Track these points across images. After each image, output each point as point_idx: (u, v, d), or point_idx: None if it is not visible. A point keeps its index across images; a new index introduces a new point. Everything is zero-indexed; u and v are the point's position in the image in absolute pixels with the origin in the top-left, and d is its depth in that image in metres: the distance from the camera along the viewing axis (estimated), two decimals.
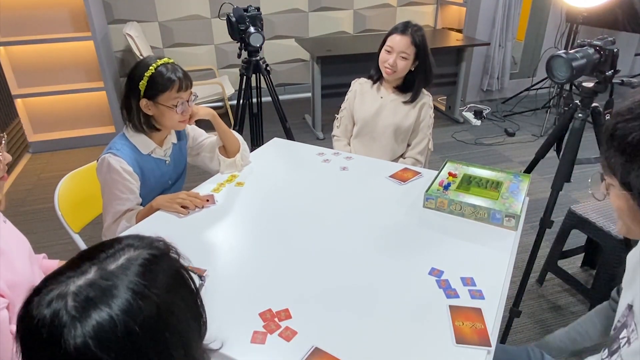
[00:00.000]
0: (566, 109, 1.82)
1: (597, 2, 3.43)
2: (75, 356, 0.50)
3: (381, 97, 2.11)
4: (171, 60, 1.54)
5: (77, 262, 0.56)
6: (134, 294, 0.53)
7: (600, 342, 1.16)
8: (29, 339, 0.53)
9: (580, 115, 1.74)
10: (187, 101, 1.56)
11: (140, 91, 1.50)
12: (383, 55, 2.00)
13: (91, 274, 0.54)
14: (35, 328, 0.51)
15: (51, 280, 0.55)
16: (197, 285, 0.63)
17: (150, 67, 1.48)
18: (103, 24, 4.03)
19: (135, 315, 0.52)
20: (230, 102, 4.16)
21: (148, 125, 1.56)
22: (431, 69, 2.02)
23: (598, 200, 0.86)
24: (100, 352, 0.50)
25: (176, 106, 1.52)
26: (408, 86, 2.07)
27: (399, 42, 1.94)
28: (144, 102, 1.51)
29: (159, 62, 1.50)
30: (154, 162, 1.62)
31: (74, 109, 3.95)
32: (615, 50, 1.61)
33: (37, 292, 0.54)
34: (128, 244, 0.58)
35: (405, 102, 2.07)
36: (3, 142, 1.07)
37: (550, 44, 4.72)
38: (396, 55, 1.95)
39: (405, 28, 1.95)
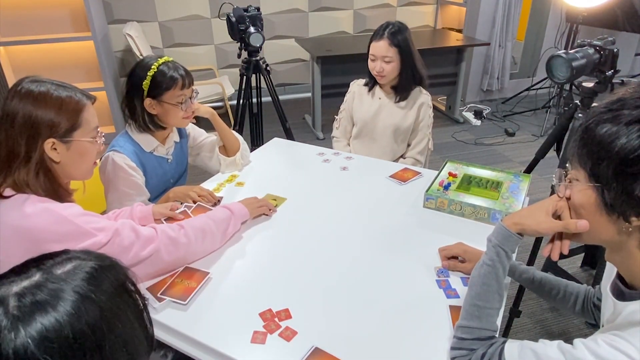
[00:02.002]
0: (566, 109, 1.82)
1: (597, 2, 3.43)
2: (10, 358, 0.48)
3: (379, 99, 2.11)
4: (171, 59, 1.55)
5: (23, 267, 0.55)
6: (80, 297, 0.52)
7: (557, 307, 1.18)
8: None
9: (580, 115, 1.74)
10: (190, 98, 1.57)
11: (143, 91, 1.50)
12: (369, 63, 2.03)
13: (36, 277, 0.53)
14: None
15: (6, 274, 0.54)
16: (143, 301, 0.63)
17: (152, 67, 1.49)
18: (103, 24, 4.03)
19: (80, 318, 0.51)
20: (230, 102, 4.16)
21: (153, 124, 1.57)
22: (416, 65, 2.01)
23: (559, 196, 0.87)
24: (42, 355, 0.48)
25: (181, 103, 1.53)
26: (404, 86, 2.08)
27: (378, 48, 1.95)
28: (148, 102, 1.51)
29: (160, 61, 1.51)
30: (156, 160, 1.63)
31: None
32: (615, 50, 1.62)
33: None
34: (75, 255, 0.58)
35: (396, 102, 2.07)
36: (100, 132, 1.15)
37: (550, 44, 4.72)
38: (380, 61, 1.97)
39: (382, 33, 1.96)
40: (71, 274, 0.54)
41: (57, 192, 1.09)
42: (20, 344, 0.48)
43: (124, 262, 0.89)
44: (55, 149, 1.06)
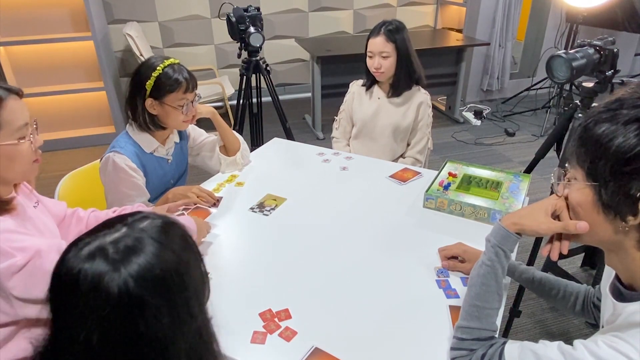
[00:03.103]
0: (566, 109, 1.82)
1: (597, 2, 3.43)
2: (117, 298, 0.58)
3: (378, 98, 2.11)
4: (177, 61, 1.54)
5: (110, 224, 0.65)
6: (159, 244, 0.63)
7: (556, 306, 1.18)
8: (67, 290, 0.60)
9: (580, 115, 1.74)
10: (192, 102, 1.56)
11: (146, 91, 1.49)
12: (368, 61, 2.03)
13: (123, 230, 0.63)
14: (75, 278, 0.59)
15: (85, 236, 0.64)
16: (200, 255, 0.72)
17: (158, 68, 1.48)
18: (103, 24, 4.03)
19: (163, 261, 0.62)
20: (230, 102, 4.16)
21: (153, 124, 1.56)
22: (413, 63, 2.02)
23: (558, 195, 0.88)
24: (140, 291, 0.59)
25: (182, 107, 1.52)
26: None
27: (376, 44, 1.96)
28: (149, 102, 1.51)
29: (166, 62, 1.51)
30: (156, 160, 1.63)
31: (74, 109, 3.95)
32: (615, 50, 1.62)
33: (74, 245, 0.62)
34: (147, 214, 0.69)
35: (389, 96, 2.08)
36: (35, 125, 1.05)
37: (550, 44, 4.72)
38: (378, 57, 1.97)
39: (379, 29, 1.97)
40: (148, 227, 0.65)
41: None
42: (122, 282, 0.58)
43: (44, 287, 0.86)
44: None
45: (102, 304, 0.58)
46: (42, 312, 0.91)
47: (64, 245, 0.99)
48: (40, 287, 0.90)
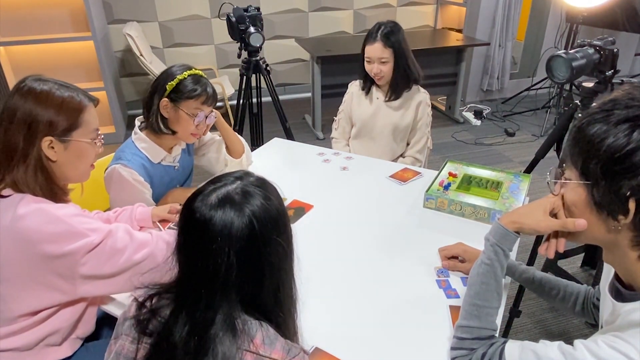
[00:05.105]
0: (566, 109, 1.82)
1: (597, 2, 3.43)
2: (246, 233, 0.73)
3: (377, 98, 2.11)
4: (205, 75, 1.55)
5: (218, 179, 0.80)
6: (265, 193, 0.79)
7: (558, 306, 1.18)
8: (201, 233, 0.74)
9: (580, 115, 1.74)
10: (206, 117, 1.55)
11: (165, 90, 1.47)
12: (366, 66, 2.02)
13: (237, 182, 0.79)
14: (209, 222, 0.73)
15: (207, 186, 0.79)
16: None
17: (184, 73, 1.48)
18: (103, 24, 4.03)
19: (272, 205, 0.78)
20: (230, 102, 4.16)
21: (164, 125, 1.52)
22: (409, 64, 2.01)
23: (554, 194, 0.88)
24: (259, 228, 0.74)
25: (195, 116, 1.50)
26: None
27: (373, 51, 1.95)
28: (164, 102, 1.48)
29: (195, 71, 1.51)
30: (163, 169, 1.60)
31: None
32: (615, 50, 1.61)
33: (198, 194, 0.77)
34: (245, 172, 0.84)
35: (387, 100, 2.07)
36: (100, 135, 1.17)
37: (550, 44, 4.72)
38: (377, 63, 1.97)
39: (375, 35, 1.95)
40: (254, 180, 0.81)
41: (54, 192, 1.08)
42: (248, 219, 0.74)
43: (117, 265, 1.05)
44: (52, 147, 1.05)
45: (238, 239, 0.73)
46: (106, 288, 1.08)
47: (129, 226, 1.12)
48: (111, 263, 1.05)
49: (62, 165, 1.09)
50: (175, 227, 0.80)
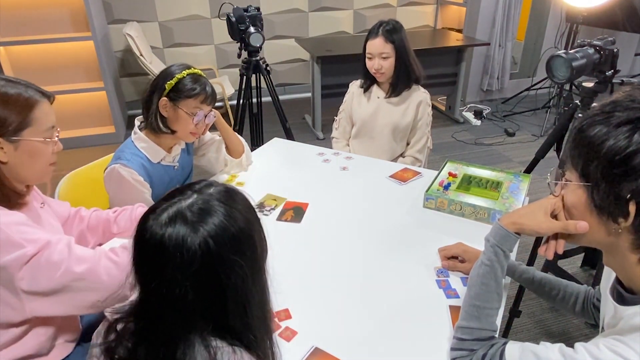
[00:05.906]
0: (566, 109, 1.82)
1: (597, 2, 3.43)
2: (199, 255, 0.67)
3: (377, 98, 2.11)
4: (204, 75, 1.54)
5: (177, 192, 0.74)
6: (227, 207, 0.72)
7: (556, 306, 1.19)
8: (154, 254, 0.68)
9: (580, 115, 1.74)
10: (205, 116, 1.54)
11: (164, 89, 1.47)
12: (367, 62, 2.03)
13: (194, 196, 0.72)
14: (160, 242, 0.67)
15: (160, 203, 0.72)
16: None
17: (184, 72, 1.48)
18: (103, 24, 4.03)
19: (233, 222, 0.71)
20: (230, 102, 4.16)
21: (164, 124, 1.52)
22: (411, 63, 2.02)
23: (554, 195, 0.88)
24: (219, 249, 0.68)
25: (195, 115, 1.50)
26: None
27: (375, 46, 1.96)
28: (163, 101, 1.48)
29: (194, 70, 1.51)
30: (163, 169, 1.60)
31: (73, 109, 3.95)
32: (615, 50, 1.61)
33: (151, 213, 0.71)
34: (209, 182, 0.77)
35: (388, 97, 2.08)
36: (57, 131, 1.10)
37: (550, 44, 4.72)
38: (378, 58, 1.97)
39: (377, 30, 1.97)
40: (215, 193, 0.73)
41: (6, 195, 1.02)
42: (202, 239, 0.67)
43: (54, 279, 0.98)
44: (2, 148, 0.98)
45: (190, 262, 0.66)
46: (51, 308, 0.97)
47: (72, 240, 1.03)
48: (47, 278, 0.97)
49: (14, 167, 1.02)
50: (129, 244, 0.75)
